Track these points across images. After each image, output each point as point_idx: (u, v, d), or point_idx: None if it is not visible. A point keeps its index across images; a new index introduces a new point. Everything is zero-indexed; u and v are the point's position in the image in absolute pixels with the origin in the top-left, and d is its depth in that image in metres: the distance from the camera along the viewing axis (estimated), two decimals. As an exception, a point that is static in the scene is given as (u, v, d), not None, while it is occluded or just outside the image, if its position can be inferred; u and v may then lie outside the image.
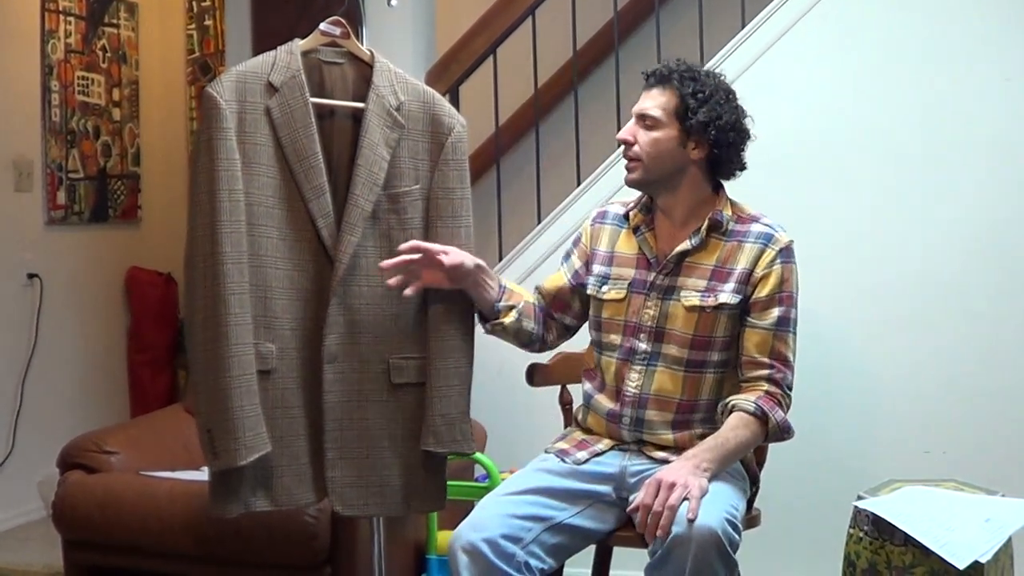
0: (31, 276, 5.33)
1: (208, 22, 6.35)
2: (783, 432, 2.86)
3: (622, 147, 3.01)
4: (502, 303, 3.03)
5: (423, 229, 2.89)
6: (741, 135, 2.95)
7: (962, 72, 3.81)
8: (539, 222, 4.31)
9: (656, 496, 2.65)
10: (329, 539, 3.45)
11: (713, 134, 2.88)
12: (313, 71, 2.85)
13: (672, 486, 2.64)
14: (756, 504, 3.13)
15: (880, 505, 2.95)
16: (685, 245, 2.92)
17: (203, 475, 3.87)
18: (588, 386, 3.09)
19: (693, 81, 2.90)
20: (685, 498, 2.62)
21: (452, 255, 2.88)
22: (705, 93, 2.89)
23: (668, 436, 2.93)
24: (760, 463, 3.15)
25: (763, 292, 2.88)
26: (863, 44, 3.90)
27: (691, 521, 2.56)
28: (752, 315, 2.89)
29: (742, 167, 3.00)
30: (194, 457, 4.06)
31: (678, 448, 2.91)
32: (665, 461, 2.86)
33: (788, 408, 2.89)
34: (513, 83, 4.68)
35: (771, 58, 3.97)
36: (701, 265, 2.91)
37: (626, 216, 3.05)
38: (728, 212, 2.95)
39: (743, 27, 4.11)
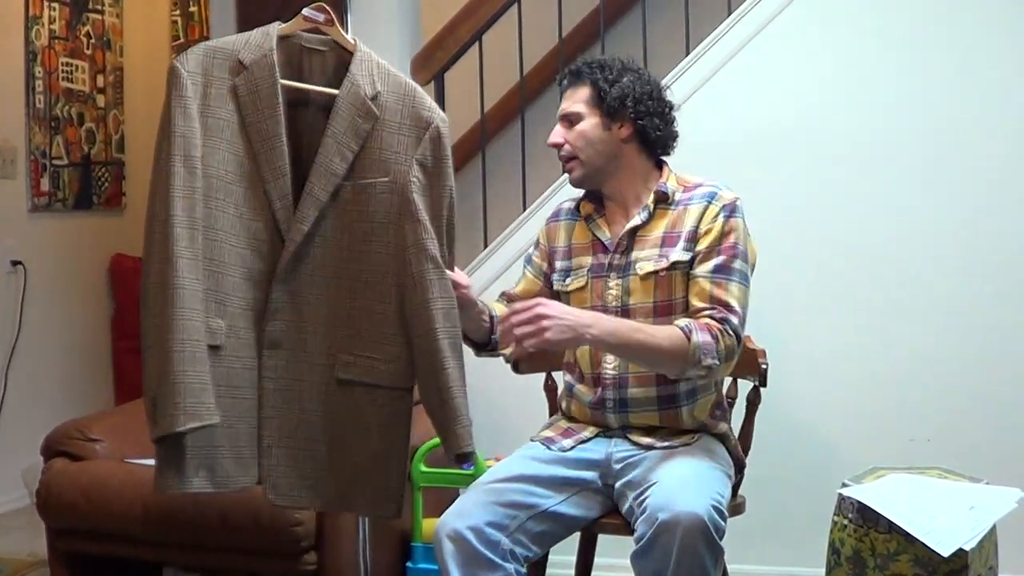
0: (15, 263, 5.32)
1: (193, 8, 6.33)
2: (703, 355, 2.73)
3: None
4: (497, 335, 3.01)
5: (387, 224, 2.76)
6: (661, 103, 3.00)
7: (952, 61, 3.82)
8: (524, 209, 4.31)
9: (522, 314, 2.64)
10: (314, 525, 3.45)
11: (631, 106, 2.94)
12: (293, 56, 2.81)
13: (541, 316, 2.62)
14: (741, 491, 3.13)
15: (865, 492, 2.95)
16: (635, 221, 2.96)
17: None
18: (568, 378, 3.12)
19: (601, 68, 2.98)
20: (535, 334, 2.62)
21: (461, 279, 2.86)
22: (614, 73, 2.96)
23: (654, 415, 2.93)
24: (746, 450, 3.16)
25: (704, 244, 2.88)
26: (850, 32, 3.91)
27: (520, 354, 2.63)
28: (695, 267, 2.88)
29: (674, 136, 3.04)
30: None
31: (665, 428, 2.93)
32: (650, 447, 2.88)
33: (726, 348, 2.77)
34: (499, 71, 4.68)
35: (759, 45, 3.96)
36: (651, 235, 2.94)
37: (577, 208, 3.10)
38: (673, 183, 2.99)
39: (729, 13, 4.11)
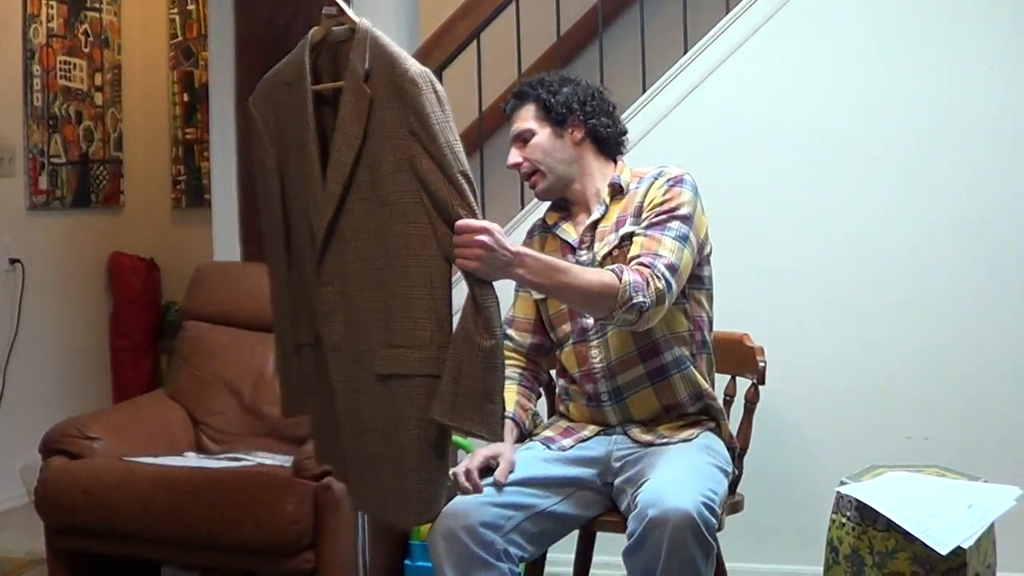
0: (13, 261, 5.31)
1: (191, 6, 6.32)
2: (634, 292, 2.69)
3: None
4: (526, 425, 3.11)
5: (403, 204, 2.61)
6: (605, 103, 3.10)
7: (945, 60, 3.82)
8: (523, 207, 4.30)
9: (465, 235, 2.53)
10: (312, 523, 3.45)
11: (578, 109, 3.04)
12: (330, 56, 2.79)
13: (480, 245, 2.51)
14: (740, 489, 3.13)
15: (863, 491, 2.95)
16: (595, 216, 3.03)
17: (185, 460, 3.89)
18: (562, 381, 3.16)
19: (540, 84, 3.08)
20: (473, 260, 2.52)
21: None
22: (555, 84, 3.07)
23: (650, 392, 2.95)
24: (744, 448, 3.16)
25: (647, 211, 2.93)
26: (846, 32, 3.91)
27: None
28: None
29: (623, 133, 3.14)
30: (176, 442, 4.07)
31: (665, 408, 2.95)
32: (650, 444, 2.89)
33: (656, 291, 2.73)
34: (497, 68, 4.67)
35: (756, 43, 3.96)
36: (609, 224, 3.00)
37: (545, 220, 3.17)
38: (627, 175, 3.06)
39: (727, 11, 4.11)
